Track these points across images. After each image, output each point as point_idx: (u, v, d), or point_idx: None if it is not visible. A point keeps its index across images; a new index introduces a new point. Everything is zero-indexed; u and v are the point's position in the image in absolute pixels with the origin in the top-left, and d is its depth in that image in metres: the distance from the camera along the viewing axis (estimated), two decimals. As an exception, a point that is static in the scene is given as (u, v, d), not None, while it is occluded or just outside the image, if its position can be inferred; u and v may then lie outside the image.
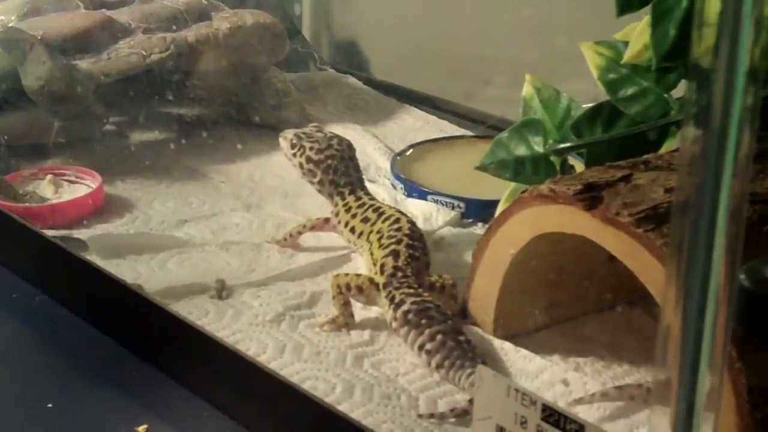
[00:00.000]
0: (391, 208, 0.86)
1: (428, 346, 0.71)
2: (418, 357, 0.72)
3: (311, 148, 0.89)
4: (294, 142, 0.90)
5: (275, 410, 0.67)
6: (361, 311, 0.79)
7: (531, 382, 0.71)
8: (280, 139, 0.92)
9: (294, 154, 0.90)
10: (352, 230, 0.86)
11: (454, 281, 0.79)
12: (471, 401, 0.65)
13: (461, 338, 0.71)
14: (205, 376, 0.72)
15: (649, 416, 0.64)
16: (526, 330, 0.77)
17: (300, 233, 0.90)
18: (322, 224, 0.90)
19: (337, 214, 0.88)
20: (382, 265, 0.78)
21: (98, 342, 0.78)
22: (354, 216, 0.86)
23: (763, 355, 0.57)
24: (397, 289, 0.76)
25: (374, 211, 0.86)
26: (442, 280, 0.79)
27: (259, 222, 0.96)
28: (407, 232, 0.82)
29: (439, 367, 0.71)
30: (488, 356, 0.73)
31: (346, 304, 0.78)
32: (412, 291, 0.75)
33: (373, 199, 0.89)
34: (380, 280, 0.77)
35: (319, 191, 0.90)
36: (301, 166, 0.90)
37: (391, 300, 0.75)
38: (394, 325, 0.74)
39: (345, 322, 0.78)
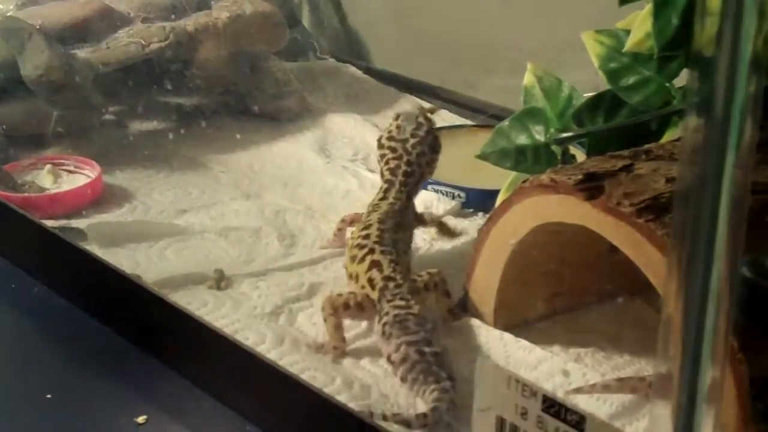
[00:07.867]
0: (375, 212, 0.81)
1: (393, 357, 0.68)
2: (390, 368, 0.69)
3: (383, 155, 0.86)
4: (381, 134, 0.88)
5: (274, 400, 0.67)
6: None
7: (531, 373, 0.71)
8: (394, 116, 0.89)
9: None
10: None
11: (442, 275, 0.76)
12: (421, 415, 0.63)
13: (427, 350, 0.68)
14: (204, 366, 0.71)
15: (650, 408, 0.64)
16: (526, 320, 0.77)
17: (341, 230, 0.88)
18: (359, 218, 0.84)
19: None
20: (371, 280, 0.74)
21: (97, 332, 0.78)
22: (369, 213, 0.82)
23: (765, 346, 0.56)
24: (389, 302, 0.72)
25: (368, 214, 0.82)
26: (430, 277, 0.76)
27: (259, 211, 0.95)
28: (375, 239, 0.77)
29: (402, 380, 0.68)
30: (488, 347, 0.73)
31: (338, 327, 0.74)
32: (402, 303, 0.72)
33: (391, 204, 0.83)
34: (374, 295, 0.74)
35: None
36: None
37: (379, 313, 0.72)
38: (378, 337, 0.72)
39: (334, 346, 0.73)
